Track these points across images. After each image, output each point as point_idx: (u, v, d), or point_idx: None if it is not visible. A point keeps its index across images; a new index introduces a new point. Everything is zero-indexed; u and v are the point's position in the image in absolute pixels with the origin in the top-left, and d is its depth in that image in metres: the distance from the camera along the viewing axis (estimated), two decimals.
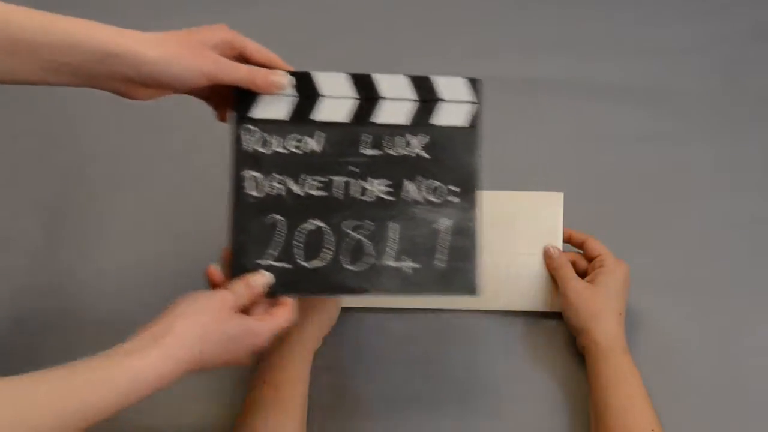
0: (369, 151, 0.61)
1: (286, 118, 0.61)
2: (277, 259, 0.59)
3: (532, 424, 0.69)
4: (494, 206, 0.72)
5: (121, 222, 0.82)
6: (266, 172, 0.60)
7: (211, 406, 0.70)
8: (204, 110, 0.91)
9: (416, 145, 0.61)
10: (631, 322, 0.72)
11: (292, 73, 0.62)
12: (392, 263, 0.59)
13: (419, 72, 0.62)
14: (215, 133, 0.89)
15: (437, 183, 0.60)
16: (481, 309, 0.74)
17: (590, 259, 0.73)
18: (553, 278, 0.73)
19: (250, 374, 0.68)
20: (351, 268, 0.59)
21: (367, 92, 0.61)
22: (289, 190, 0.60)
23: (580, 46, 0.97)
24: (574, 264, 0.73)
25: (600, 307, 0.68)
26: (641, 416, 0.63)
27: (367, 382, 0.71)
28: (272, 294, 0.58)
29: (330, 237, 0.59)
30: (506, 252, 0.73)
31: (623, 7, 1.01)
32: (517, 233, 0.73)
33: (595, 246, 0.72)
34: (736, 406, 0.70)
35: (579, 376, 0.71)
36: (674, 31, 0.98)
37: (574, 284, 0.70)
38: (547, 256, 0.73)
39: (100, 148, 0.88)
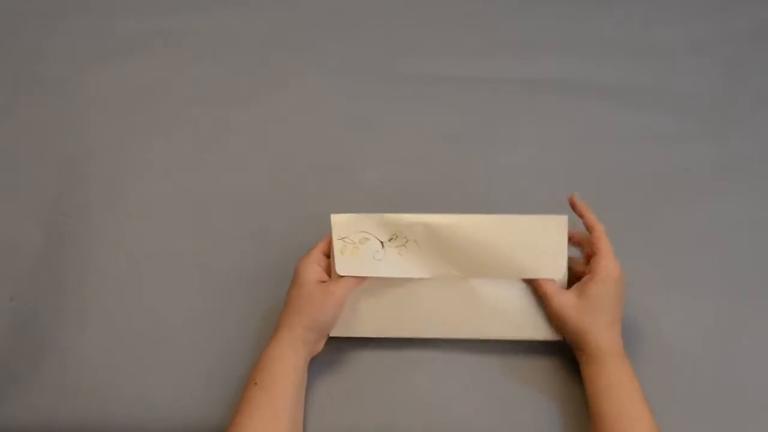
0: None
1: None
2: None
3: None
4: (495, 232, 0.69)
5: (121, 222, 0.82)
6: None
7: (207, 406, 0.70)
8: (205, 111, 0.91)
9: None
10: (631, 322, 0.72)
11: None
12: None
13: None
14: (216, 133, 0.90)
15: None
16: (478, 338, 0.71)
17: (588, 257, 0.70)
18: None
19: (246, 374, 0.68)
20: None
21: None
22: None
23: (580, 46, 0.97)
24: (570, 268, 0.71)
25: (587, 320, 0.66)
26: (637, 423, 0.62)
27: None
28: None
29: None
30: (506, 280, 0.71)
31: (623, 7, 1.01)
32: (519, 260, 0.70)
33: (595, 244, 0.68)
34: (736, 407, 0.69)
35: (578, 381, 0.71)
36: (674, 31, 0.98)
37: (558, 300, 0.68)
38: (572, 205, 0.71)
39: (100, 148, 0.88)
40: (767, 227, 0.81)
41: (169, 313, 0.76)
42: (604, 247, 0.68)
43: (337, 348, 0.72)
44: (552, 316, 0.69)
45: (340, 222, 0.70)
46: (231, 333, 0.74)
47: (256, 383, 0.65)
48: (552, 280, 0.69)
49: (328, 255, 0.71)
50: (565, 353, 0.72)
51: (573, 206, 0.71)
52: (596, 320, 0.66)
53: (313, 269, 0.69)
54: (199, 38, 0.98)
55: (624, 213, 0.82)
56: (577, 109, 0.91)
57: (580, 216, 0.71)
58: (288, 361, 0.66)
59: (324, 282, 0.69)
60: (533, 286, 0.70)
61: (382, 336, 0.71)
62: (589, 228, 0.70)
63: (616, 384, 0.65)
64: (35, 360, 0.73)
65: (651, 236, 0.80)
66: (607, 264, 0.67)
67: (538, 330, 0.71)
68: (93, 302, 0.76)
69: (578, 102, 0.91)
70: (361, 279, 0.70)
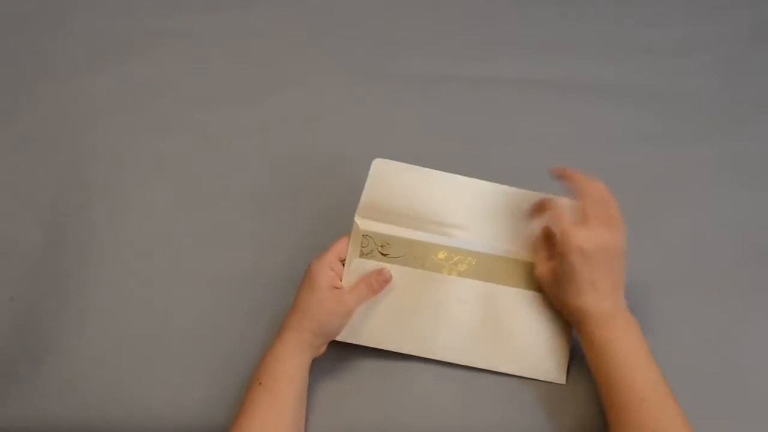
0: None
1: None
2: None
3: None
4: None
5: (121, 222, 0.82)
6: None
7: (209, 406, 0.70)
8: (205, 111, 0.91)
9: None
10: None
11: None
12: None
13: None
14: (217, 133, 0.90)
15: None
16: (482, 368, 0.71)
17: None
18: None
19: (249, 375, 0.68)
20: None
21: None
22: None
23: (580, 46, 0.97)
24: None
25: (564, 290, 0.65)
26: (629, 387, 0.61)
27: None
28: None
29: None
30: (523, 314, 0.71)
31: (623, 7, 1.01)
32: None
33: (558, 226, 0.67)
34: (736, 406, 0.70)
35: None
36: (674, 31, 0.98)
37: (539, 269, 0.69)
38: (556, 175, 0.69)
39: (100, 148, 0.88)
40: (767, 227, 0.81)
41: (169, 313, 0.76)
42: (560, 225, 0.66)
43: (339, 350, 0.71)
44: (538, 281, 0.70)
45: (382, 169, 0.73)
46: (231, 333, 0.74)
47: (260, 383, 0.65)
48: (544, 252, 0.69)
49: (341, 259, 0.71)
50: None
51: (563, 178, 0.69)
52: (570, 287, 0.65)
53: (326, 274, 0.68)
54: (199, 38, 0.98)
55: (624, 213, 0.81)
56: (577, 109, 0.91)
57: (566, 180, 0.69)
58: (293, 362, 0.66)
59: (337, 288, 0.69)
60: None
61: (388, 349, 0.71)
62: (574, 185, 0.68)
63: (603, 349, 0.63)
64: (35, 360, 0.73)
65: (650, 236, 0.80)
66: (563, 236, 0.65)
67: (542, 371, 0.71)
68: (93, 302, 0.76)
69: (578, 102, 0.91)
70: (376, 291, 0.70)
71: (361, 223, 0.71)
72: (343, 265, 0.71)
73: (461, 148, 0.87)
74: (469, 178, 0.73)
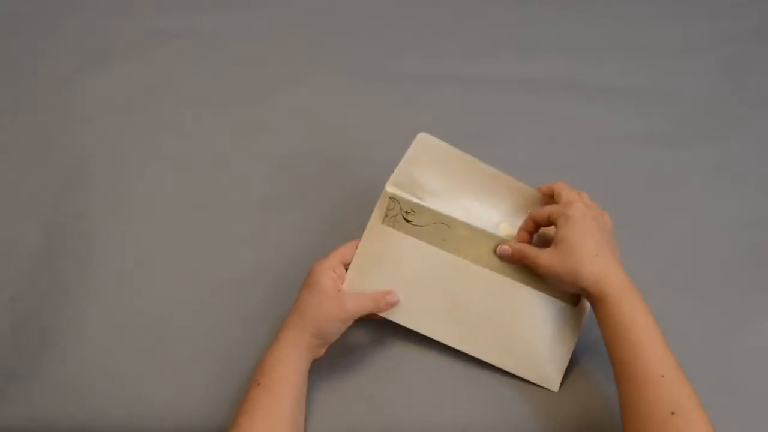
0: None
1: None
2: None
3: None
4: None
5: (122, 222, 0.82)
6: None
7: (209, 406, 0.70)
8: (205, 111, 0.91)
9: None
10: None
11: None
12: None
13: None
14: (217, 133, 0.90)
15: None
16: (483, 359, 0.71)
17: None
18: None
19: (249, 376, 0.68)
20: None
21: None
22: None
23: (580, 46, 0.97)
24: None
25: (574, 264, 0.65)
26: (648, 363, 0.61)
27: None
28: None
29: None
30: (539, 319, 0.70)
31: (623, 7, 1.01)
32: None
33: (543, 212, 0.69)
34: (736, 406, 0.70)
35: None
36: (674, 31, 0.98)
37: (541, 261, 0.67)
38: (503, 258, 0.71)
39: (100, 148, 0.88)
40: (767, 227, 0.81)
41: (169, 313, 0.76)
42: (563, 197, 0.70)
43: (338, 349, 0.71)
44: (547, 279, 0.68)
45: (425, 143, 0.72)
46: (231, 333, 0.74)
47: (259, 384, 0.65)
48: (528, 249, 0.69)
49: (345, 264, 0.70)
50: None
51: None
52: (579, 260, 0.65)
53: (328, 275, 0.67)
54: (199, 38, 0.98)
55: (624, 213, 0.81)
56: (577, 109, 0.91)
57: (546, 195, 0.73)
58: (292, 362, 0.66)
59: (339, 291, 0.68)
60: (522, 259, 0.70)
61: (392, 320, 0.71)
62: (553, 195, 0.71)
63: (620, 325, 0.63)
64: (35, 360, 0.73)
65: (651, 236, 0.80)
66: (560, 210, 0.67)
67: (538, 375, 0.70)
68: (93, 302, 0.76)
69: (578, 102, 0.91)
70: (380, 309, 0.69)
71: (391, 188, 0.71)
72: (346, 269, 0.70)
73: (461, 148, 0.87)
74: (507, 176, 0.73)
